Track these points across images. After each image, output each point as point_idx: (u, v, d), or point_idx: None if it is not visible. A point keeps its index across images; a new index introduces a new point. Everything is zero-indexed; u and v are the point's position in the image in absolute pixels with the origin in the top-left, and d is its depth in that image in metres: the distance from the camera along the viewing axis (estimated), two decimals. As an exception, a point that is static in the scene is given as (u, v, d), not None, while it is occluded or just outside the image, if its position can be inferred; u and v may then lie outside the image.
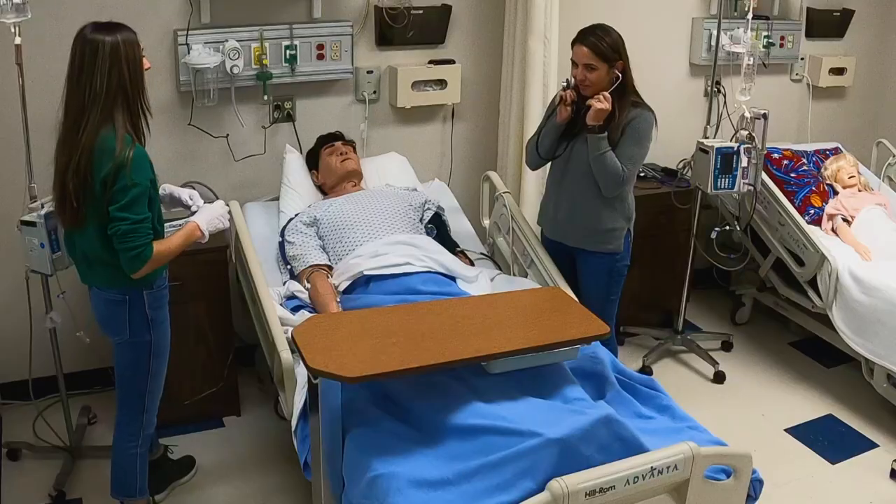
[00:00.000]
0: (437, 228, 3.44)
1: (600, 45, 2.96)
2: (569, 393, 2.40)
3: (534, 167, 3.34)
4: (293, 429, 2.56)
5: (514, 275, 3.40)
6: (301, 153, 3.67)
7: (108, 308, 2.51)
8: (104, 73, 2.28)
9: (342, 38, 3.58)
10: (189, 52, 3.29)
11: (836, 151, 4.44)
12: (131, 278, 2.40)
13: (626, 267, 3.23)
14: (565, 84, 3.04)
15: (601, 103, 2.93)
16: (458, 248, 3.40)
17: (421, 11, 3.72)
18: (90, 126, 2.29)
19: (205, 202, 2.72)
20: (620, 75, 2.98)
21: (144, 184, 2.33)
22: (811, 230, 3.83)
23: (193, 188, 2.85)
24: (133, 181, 2.29)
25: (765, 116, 3.52)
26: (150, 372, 2.59)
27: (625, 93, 3.02)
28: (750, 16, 3.66)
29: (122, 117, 2.33)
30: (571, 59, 3.04)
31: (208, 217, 2.60)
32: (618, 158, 2.98)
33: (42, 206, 2.72)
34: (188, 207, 2.69)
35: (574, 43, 3.02)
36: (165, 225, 2.53)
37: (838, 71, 4.79)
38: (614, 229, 3.13)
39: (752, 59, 3.60)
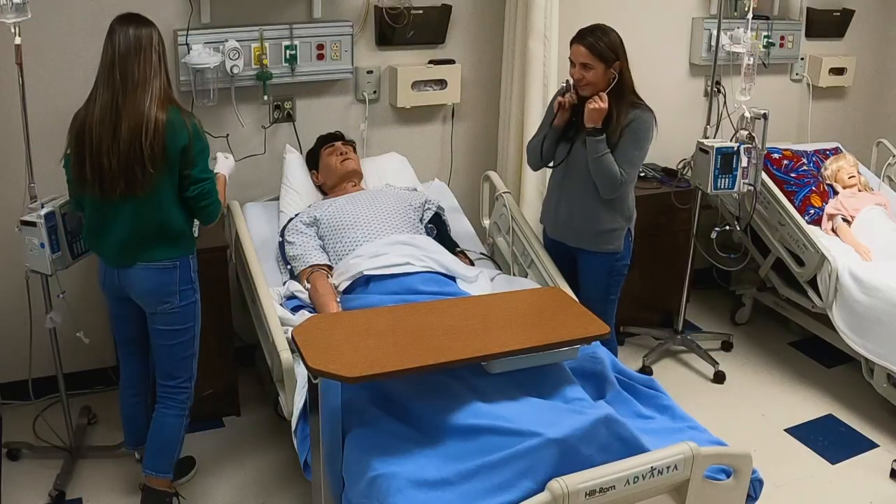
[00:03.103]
0: (437, 228, 3.44)
1: (597, 45, 2.96)
2: (569, 393, 2.40)
3: (535, 168, 3.35)
4: (293, 429, 2.56)
5: (514, 275, 3.41)
6: (301, 153, 3.67)
7: (159, 277, 2.62)
8: (158, 55, 2.53)
9: (342, 38, 3.58)
10: (189, 52, 3.29)
11: (836, 151, 4.45)
12: (189, 243, 2.68)
13: (627, 267, 3.23)
14: (564, 86, 3.05)
15: (597, 104, 2.95)
16: (458, 248, 3.40)
17: (421, 11, 3.72)
18: (155, 98, 2.48)
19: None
20: (617, 75, 2.98)
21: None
22: (811, 230, 3.83)
23: None
24: (205, 143, 2.59)
25: (765, 116, 3.52)
26: (195, 334, 2.75)
27: (623, 94, 3.02)
28: (750, 16, 3.66)
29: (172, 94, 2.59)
30: (569, 58, 3.05)
31: (227, 167, 2.92)
32: (616, 161, 2.98)
33: (42, 206, 2.72)
34: None
35: (572, 42, 3.03)
36: None
37: (838, 71, 4.79)
38: (614, 229, 3.13)
39: (752, 59, 3.60)
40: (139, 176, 2.47)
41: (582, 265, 3.23)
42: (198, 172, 2.55)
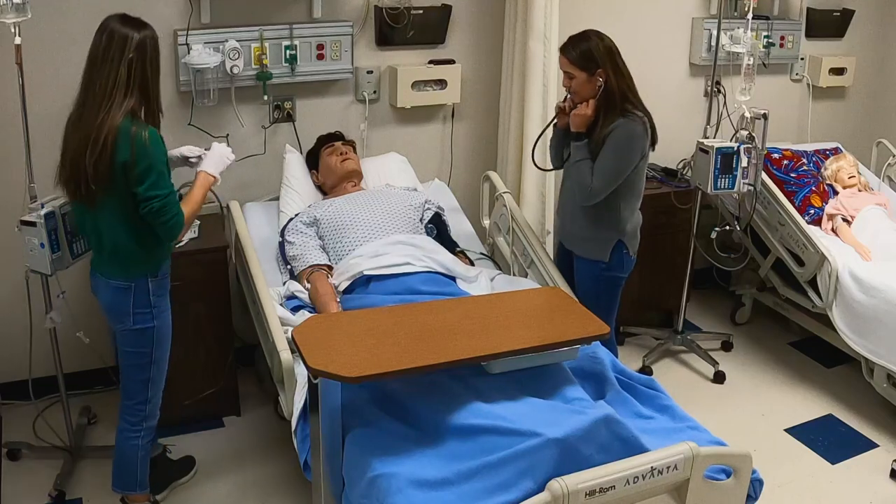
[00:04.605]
0: (437, 228, 3.44)
1: (573, 53, 2.96)
2: (569, 393, 2.40)
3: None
4: (293, 429, 2.56)
5: (514, 275, 3.41)
6: (301, 153, 3.67)
7: (114, 295, 2.55)
8: (128, 66, 2.37)
9: (342, 38, 3.58)
10: (189, 52, 3.29)
11: (836, 151, 4.45)
12: (142, 265, 2.53)
13: (619, 279, 3.17)
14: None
15: (581, 110, 2.96)
16: (458, 248, 3.41)
17: (421, 11, 3.72)
18: (112, 112, 2.35)
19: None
20: (602, 83, 2.94)
21: (163, 159, 2.45)
22: (811, 230, 3.83)
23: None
24: (154, 159, 2.40)
25: (765, 116, 3.52)
26: (153, 359, 2.63)
27: (610, 103, 2.96)
28: (750, 16, 3.66)
29: (141, 113, 2.43)
30: None
31: (214, 162, 2.68)
32: (593, 169, 2.97)
33: (42, 206, 2.72)
34: (191, 160, 2.73)
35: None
36: None
37: (838, 71, 4.79)
38: (599, 238, 3.10)
39: (752, 59, 3.60)
40: (82, 191, 2.41)
41: (575, 267, 3.24)
42: (143, 191, 2.39)
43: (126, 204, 2.43)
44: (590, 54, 2.94)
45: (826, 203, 4.09)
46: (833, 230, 3.98)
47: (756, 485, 2.32)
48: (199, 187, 2.62)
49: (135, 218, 2.46)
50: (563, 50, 3.00)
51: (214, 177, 2.66)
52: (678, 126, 4.26)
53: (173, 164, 2.73)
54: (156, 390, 2.69)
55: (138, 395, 2.67)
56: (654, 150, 3.09)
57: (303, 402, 2.50)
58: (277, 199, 3.55)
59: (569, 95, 3.04)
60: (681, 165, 4.21)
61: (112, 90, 2.36)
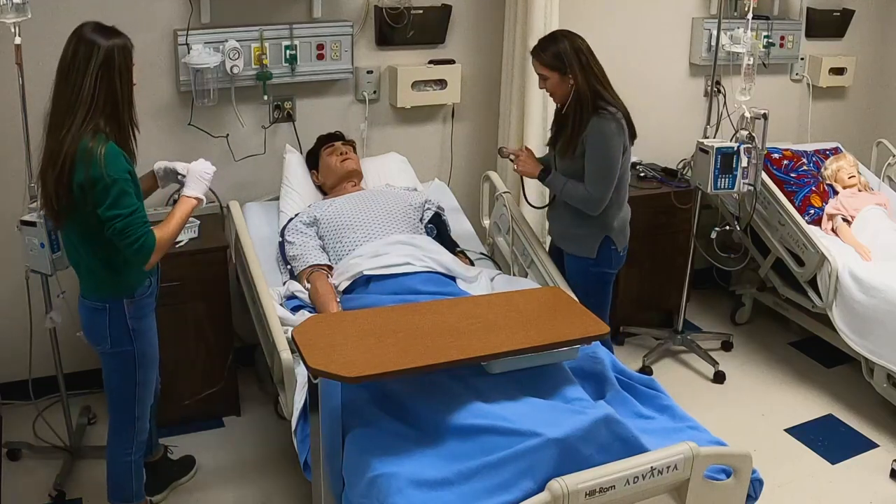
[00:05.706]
0: (437, 228, 3.44)
1: (543, 56, 2.98)
2: (569, 393, 2.40)
3: None
4: (293, 429, 2.56)
5: (514, 275, 3.41)
6: (301, 153, 3.67)
7: (90, 316, 2.47)
8: (94, 77, 2.26)
9: (342, 38, 3.58)
10: (189, 52, 3.29)
11: (836, 151, 4.45)
12: (112, 287, 2.42)
13: (607, 274, 3.17)
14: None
15: (521, 167, 3.14)
16: (458, 248, 3.41)
17: (421, 11, 3.72)
18: (74, 130, 2.25)
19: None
20: (572, 84, 2.95)
21: (123, 176, 2.28)
22: (811, 230, 3.82)
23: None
24: (111, 177, 2.25)
25: (765, 116, 3.52)
26: (136, 381, 2.54)
27: (581, 105, 2.96)
28: (750, 16, 3.66)
29: (108, 128, 2.30)
30: None
31: (193, 183, 2.53)
32: (584, 178, 2.98)
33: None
34: (180, 179, 2.60)
35: None
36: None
37: (838, 71, 4.79)
38: (586, 235, 3.11)
39: (752, 59, 3.60)
40: (49, 209, 2.35)
41: (565, 264, 3.24)
42: (103, 211, 2.26)
43: (90, 224, 2.32)
44: (558, 55, 2.95)
45: (826, 203, 4.09)
46: (833, 230, 3.98)
47: (756, 485, 2.32)
48: (180, 212, 2.47)
49: (100, 239, 2.33)
50: (534, 52, 3.03)
51: (199, 199, 2.52)
52: (678, 126, 4.27)
53: (166, 177, 2.64)
54: (143, 409, 2.61)
55: (125, 415, 2.59)
56: (632, 143, 3.07)
57: (303, 402, 2.50)
58: (277, 199, 3.55)
59: (503, 148, 3.24)
60: (681, 165, 4.21)
61: (75, 105, 2.25)
